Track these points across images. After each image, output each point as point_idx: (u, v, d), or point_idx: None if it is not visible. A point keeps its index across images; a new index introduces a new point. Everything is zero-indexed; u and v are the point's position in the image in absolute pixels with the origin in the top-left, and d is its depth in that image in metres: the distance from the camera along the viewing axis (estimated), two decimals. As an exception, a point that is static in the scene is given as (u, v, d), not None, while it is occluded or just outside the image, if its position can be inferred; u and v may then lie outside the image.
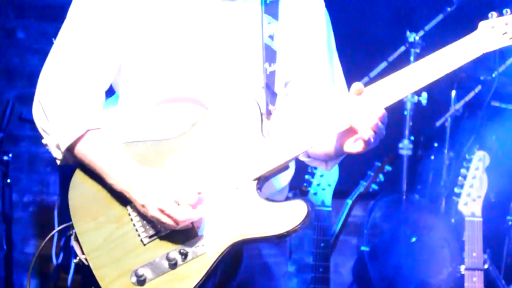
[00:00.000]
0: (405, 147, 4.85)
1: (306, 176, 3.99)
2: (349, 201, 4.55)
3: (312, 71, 2.59)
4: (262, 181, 2.39)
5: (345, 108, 2.34)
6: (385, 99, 2.35)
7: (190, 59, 2.45)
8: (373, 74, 4.98)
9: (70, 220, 2.43)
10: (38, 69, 2.51)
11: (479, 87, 4.82)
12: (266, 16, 2.50)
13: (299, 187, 3.83)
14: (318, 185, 3.45)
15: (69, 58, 2.46)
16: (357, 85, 2.35)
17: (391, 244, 4.66)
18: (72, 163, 2.45)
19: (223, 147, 2.39)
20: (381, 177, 4.56)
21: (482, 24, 2.39)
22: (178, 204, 2.31)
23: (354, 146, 2.37)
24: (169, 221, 2.32)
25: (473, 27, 2.41)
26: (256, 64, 2.50)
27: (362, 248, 4.59)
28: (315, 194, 3.46)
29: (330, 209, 3.49)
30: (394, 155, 4.71)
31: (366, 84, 4.97)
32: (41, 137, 2.52)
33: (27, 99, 5.27)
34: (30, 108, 2.42)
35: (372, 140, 2.33)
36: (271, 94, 2.51)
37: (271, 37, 2.50)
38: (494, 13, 2.39)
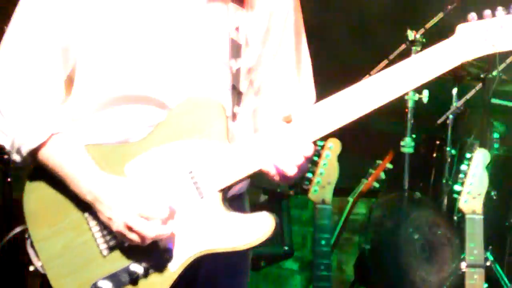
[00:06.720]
0: (407, 144, 4.86)
1: (307, 174, 3.99)
2: (351, 199, 4.56)
3: (276, 63, 2.43)
4: (226, 191, 2.25)
5: (269, 146, 2.20)
6: (320, 128, 2.18)
7: (150, 56, 2.26)
8: (374, 72, 4.99)
9: None
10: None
11: (479, 85, 4.82)
12: (232, 5, 2.33)
13: (299, 185, 3.82)
14: (318, 183, 3.45)
15: (21, 53, 2.25)
16: (286, 115, 2.18)
17: (392, 241, 4.67)
18: (33, 166, 2.27)
19: (185, 153, 2.24)
20: (382, 175, 4.57)
21: (460, 28, 2.11)
22: (148, 220, 2.15)
23: (274, 177, 2.25)
24: (136, 238, 2.16)
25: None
26: (221, 61, 2.33)
27: (363, 245, 4.61)
28: (315, 192, 3.46)
29: (330, 207, 3.49)
30: (396, 153, 4.72)
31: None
32: None
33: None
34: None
35: (292, 176, 2.21)
36: (237, 94, 2.35)
37: (237, 29, 2.33)
38: (475, 15, 2.11)
